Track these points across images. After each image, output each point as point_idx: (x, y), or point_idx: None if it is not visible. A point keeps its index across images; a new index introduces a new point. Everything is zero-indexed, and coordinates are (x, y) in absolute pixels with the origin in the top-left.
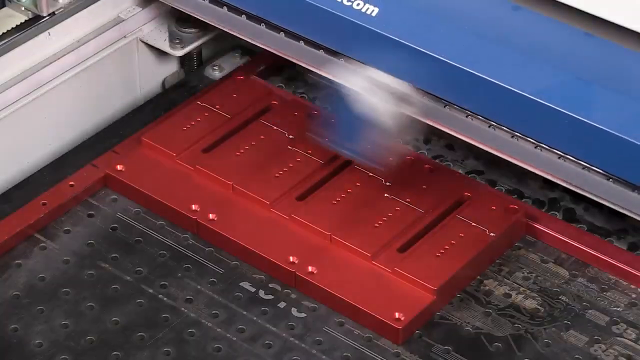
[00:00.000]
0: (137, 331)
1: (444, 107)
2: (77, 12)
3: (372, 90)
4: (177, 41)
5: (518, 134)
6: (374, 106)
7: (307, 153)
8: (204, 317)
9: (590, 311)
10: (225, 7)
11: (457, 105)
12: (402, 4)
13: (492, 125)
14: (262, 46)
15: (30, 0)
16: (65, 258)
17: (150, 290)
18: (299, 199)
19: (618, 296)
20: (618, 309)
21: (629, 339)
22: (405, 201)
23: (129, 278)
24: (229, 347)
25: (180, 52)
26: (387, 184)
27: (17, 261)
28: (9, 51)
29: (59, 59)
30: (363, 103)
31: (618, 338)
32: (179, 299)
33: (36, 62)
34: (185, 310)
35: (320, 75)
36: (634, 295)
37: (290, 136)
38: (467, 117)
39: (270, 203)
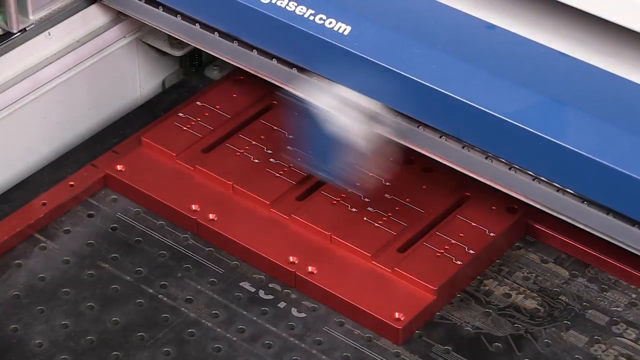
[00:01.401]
0: (137, 331)
1: (418, 127)
2: (77, 12)
3: (342, 109)
4: (177, 41)
5: (492, 156)
6: (346, 126)
7: (307, 153)
8: (204, 317)
9: (590, 311)
10: (197, 25)
11: (431, 126)
12: (374, 23)
13: (466, 146)
14: (234, 64)
15: (0, 17)
16: (65, 258)
17: (150, 290)
18: (299, 199)
19: (618, 296)
20: (618, 309)
21: (629, 339)
22: (405, 201)
23: (129, 278)
24: (229, 347)
25: (180, 52)
26: (387, 184)
27: (17, 261)
28: (9, 51)
29: (59, 59)
30: (335, 123)
31: (618, 338)
32: (179, 299)
33: (36, 62)
34: (185, 310)
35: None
36: (634, 295)
37: (290, 136)
38: (440, 137)
39: (270, 203)
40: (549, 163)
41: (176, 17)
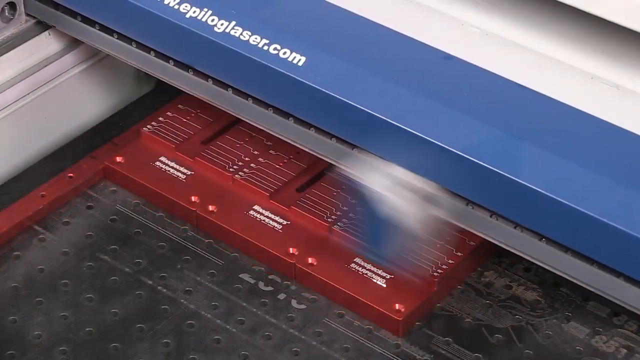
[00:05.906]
0: (136, 323)
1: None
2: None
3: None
4: None
5: (450, 192)
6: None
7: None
8: (204, 308)
9: (591, 303)
10: (152, 53)
11: (388, 160)
12: (329, 54)
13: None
14: (189, 92)
15: None
16: (64, 250)
17: (150, 282)
18: (299, 190)
19: None
20: None
21: (630, 330)
22: None
23: (128, 270)
24: (228, 339)
25: None
26: None
27: (16, 253)
28: (9, 51)
29: (59, 59)
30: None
31: (619, 329)
32: (178, 291)
33: (36, 62)
34: (185, 302)
35: None
36: None
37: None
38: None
39: (270, 195)
40: (506, 199)
41: (131, 44)
